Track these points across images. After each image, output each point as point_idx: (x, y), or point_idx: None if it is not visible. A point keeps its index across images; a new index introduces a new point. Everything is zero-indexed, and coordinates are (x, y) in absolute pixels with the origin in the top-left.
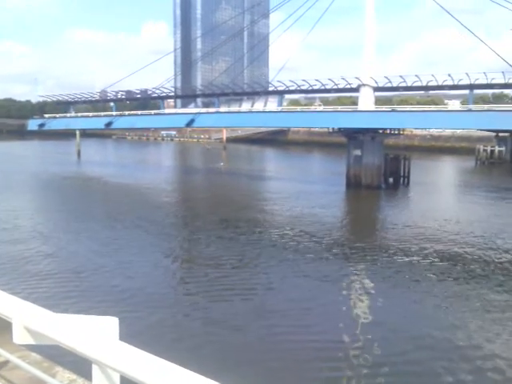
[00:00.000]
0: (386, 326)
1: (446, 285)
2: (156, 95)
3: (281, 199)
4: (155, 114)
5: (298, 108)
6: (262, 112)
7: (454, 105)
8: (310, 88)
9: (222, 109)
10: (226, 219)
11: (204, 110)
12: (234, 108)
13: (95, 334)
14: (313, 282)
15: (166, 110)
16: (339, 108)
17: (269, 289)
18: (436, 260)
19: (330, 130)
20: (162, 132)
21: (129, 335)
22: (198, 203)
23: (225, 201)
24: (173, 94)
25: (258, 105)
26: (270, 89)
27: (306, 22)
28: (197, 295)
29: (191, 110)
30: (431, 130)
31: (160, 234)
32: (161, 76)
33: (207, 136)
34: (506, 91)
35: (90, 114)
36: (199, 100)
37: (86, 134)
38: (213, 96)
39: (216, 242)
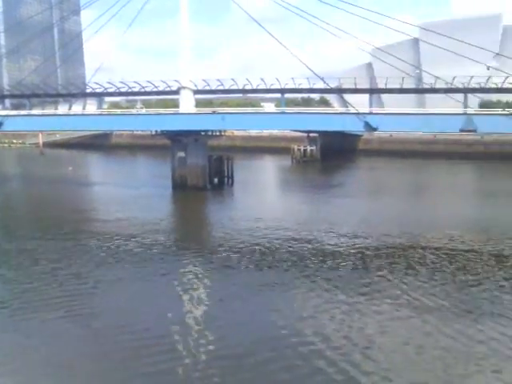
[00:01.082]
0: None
1: (264, 274)
2: None
3: (107, 205)
4: None
5: (119, 111)
6: (81, 115)
7: (270, 107)
8: (130, 90)
9: (35, 111)
10: (50, 228)
11: (14, 112)
12: (49, 110)
13: None
14: (139, 285)
15: None
16: (161, 111)
17: (93, 294)
18: (255, 252)
19: (153, 133)
20: None
21: None
22: (17, 213)
23: (48, 210)
24: None
25: (76, 107)
26: (88, 91)
27: (124, 22)
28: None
29: None
30: (251, 131)
31: None
32: None
33: (21, 141)
34: (312, 95)
35: None
36: (7, 101)
37: None
38: (23, 97)
39: (39, 252)
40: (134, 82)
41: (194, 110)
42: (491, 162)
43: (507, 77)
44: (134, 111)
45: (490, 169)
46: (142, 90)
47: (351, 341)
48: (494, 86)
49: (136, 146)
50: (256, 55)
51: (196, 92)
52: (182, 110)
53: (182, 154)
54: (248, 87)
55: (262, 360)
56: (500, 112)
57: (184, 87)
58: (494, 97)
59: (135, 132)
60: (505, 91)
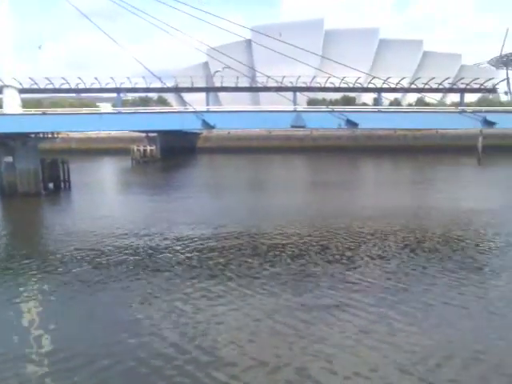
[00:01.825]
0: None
1: (97, 281)
2: None
3: None
4: None
5: None
6: None
7: (106, 108)
8: None
9: None
10: None
11: None
12: None
13: None
14: None
15: None
16: None
17: None
18: (92, 257)
19: None
20: None
21: None
22: None
23: None
24: None
25: None
26: None
27: None
28: None
29: None
30: (87, 133)
31: None
32: None
33: None
34: (150, 95)
35: None
36: None
37: None
38: None
39: None
40: None
41: (20, 110)
42: (320, 154)
43: (329, 77)
44: None
45: (319, 161)
46: None
47: (186, 336)
48: (318, 85)
49: None
50: (90, 52)
51: (22, 91)
52: (6, 110)
53: (9, 158)
54: (81, 86)
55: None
56: (324, 109)
57: (7, 86)
58: (320, 95)
59: None
60: (327, 90)
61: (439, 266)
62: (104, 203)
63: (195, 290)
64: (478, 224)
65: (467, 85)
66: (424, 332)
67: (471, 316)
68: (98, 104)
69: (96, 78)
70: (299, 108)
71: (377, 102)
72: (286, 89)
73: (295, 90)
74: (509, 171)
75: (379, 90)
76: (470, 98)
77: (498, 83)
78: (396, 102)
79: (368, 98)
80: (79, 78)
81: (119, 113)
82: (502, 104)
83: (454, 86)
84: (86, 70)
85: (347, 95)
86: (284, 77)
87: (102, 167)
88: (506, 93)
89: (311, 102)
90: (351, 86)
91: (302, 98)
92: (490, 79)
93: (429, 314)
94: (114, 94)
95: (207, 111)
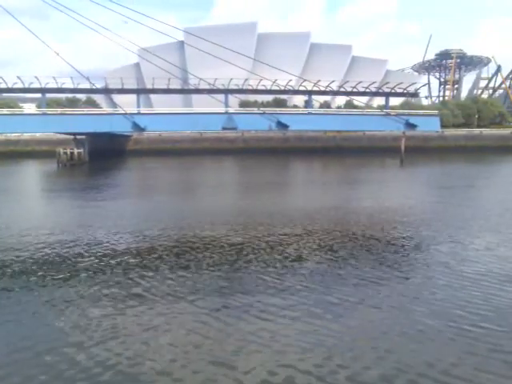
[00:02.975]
0: None
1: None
2: None
3: None
4: None
5: None
6: None
7: (31, 109)
8: None
9: None
10: None
11: None
12: None
13: None
14: None
15: None
16: None
17: None
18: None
19: None
20: None
21: None
22: None
23: None
24: None
25: None
26: None
27: None
28: None
29: None
30: (8, 135)
31: None
32: None
33: None
34: (78, 95)
35: None
36: None
37: None
38: None
39: None
40: None
41: None
42: (251, 155)
43: (261, 80)
44: None
45: (250, 162)
46: None
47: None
48: (250, 87)
49: None
50: (13, 50)
51: None
52: None
53: None
54: (3, 86)
55: None
56: (256, 111)
57: None
58: (252, 97)
59: None
60: (259, 92)
61: (355, 266)
62: (24, 209)
63: (104, 301)
64: (394, 222)
65: (392, 89)
66: (337, 333)
67: (382, 315)
68: (21, 105)
69: (19, 78)
70: (231, 110)
71: (307, 104)
72: (218, 91)
73: (227, 92)
74: (427, 172)
75: (310, 93)
76: (394, 101)
77: (419, 88)
78: (326, 105)
79: (299, 100)
80: (1, 78)
81: (44, 114)
82: (422, 108)
83: (380, 90)
84: (9, 68)
85: (279, 97)
86: (216, 79)
87: (25, 171)
88: (426, 97)
89: (243, 104)
90: (283, 88)
91: (234, 100)
92: (412, 84)
93: (342, 315)
94: (39, 95)
95: (138, 113)
